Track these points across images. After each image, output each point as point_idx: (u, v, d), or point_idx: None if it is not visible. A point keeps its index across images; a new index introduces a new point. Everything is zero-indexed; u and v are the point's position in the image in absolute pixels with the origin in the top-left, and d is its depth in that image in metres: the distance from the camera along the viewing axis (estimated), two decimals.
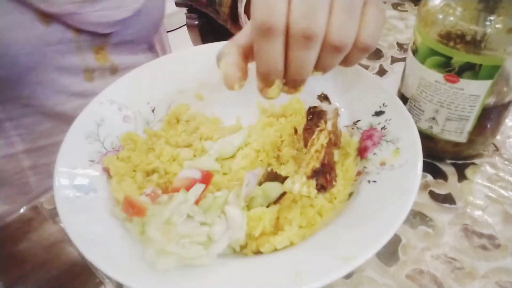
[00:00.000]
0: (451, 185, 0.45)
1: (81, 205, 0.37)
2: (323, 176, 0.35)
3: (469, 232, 0.41)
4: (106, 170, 0.41)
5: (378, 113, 0.43)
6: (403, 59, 0.63)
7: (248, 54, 0.34)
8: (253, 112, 0.50)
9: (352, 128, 0.45)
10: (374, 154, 0.41)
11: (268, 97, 0.34)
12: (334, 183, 0.36)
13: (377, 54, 0.65)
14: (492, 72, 0.38)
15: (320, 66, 0.32)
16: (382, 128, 0.42)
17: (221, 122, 0.49)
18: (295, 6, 0.28)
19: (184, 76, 0.50)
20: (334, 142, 0.39)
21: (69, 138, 0.42)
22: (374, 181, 0.38)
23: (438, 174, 0.47)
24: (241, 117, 0.49)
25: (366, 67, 0.62)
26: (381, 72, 0.62)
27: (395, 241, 0.40)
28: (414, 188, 0.34)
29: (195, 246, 0.33)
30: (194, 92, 0.51)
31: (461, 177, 0.46)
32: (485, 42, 0.37)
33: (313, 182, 0.34)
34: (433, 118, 0.44)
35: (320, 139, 0.38)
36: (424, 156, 0.48)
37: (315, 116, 0.41)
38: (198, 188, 0.36)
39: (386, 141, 0.41)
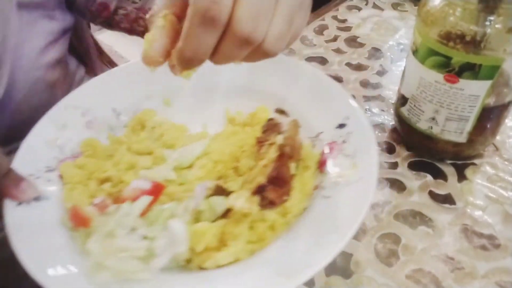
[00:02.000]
0: (451, 185, 0.45)
1: (30, 212, 0.36)
2: (274, 190, 0.35)
3: (469, 232, 0.41)
4: (62, 177, 0.40)
5: (341, 126, 0.42)
6: (403, 59, 0.63)
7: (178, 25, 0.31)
8: (220, 120, 0.48)
9: (315, 140, 0.43)
10: (332, 168, 0.39)
11: (179, 75, 0.32)
12: (285, 197, 0.35)
13: (377, 54, 0.65)
14: (492, 72, 0.38)
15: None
16: (342, 142, 0.41)
17: (187, 130, 0.47)
18: (243, 4, 0.26)
19: (152, 81, 0.47)
20: (290, 155, 0.38)
21: (27, 144, 0.41)
22: (328, 197, 0.37)
23: (438, 174, 0.47)
24: (208, 125, 0.48)
25: (366, 67, 0.63)
26: (381, 72, 0.62)
27: (395, 241, 0.40)
28: (365, 206, 0.34)
29: (133, 261, 0.32)
30: (162, 98, 0.49)
31: (461, 177, 0.46)
32: (485, 42, 0.37)
33: (256, 199, 0.34)
34: (433, 118, 0.44)
35: (270, 153, 0.37)
36: (424, 156, 0.48)
37: (269, 129, 0.40)
38: (144, 200, 0.35)
39: (345, 155, 0.39)
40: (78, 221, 0.34)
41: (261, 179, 0.35)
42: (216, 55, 0.29)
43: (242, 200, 0.34)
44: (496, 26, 0.36)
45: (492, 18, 0.36)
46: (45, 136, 0.42)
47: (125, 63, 0.50)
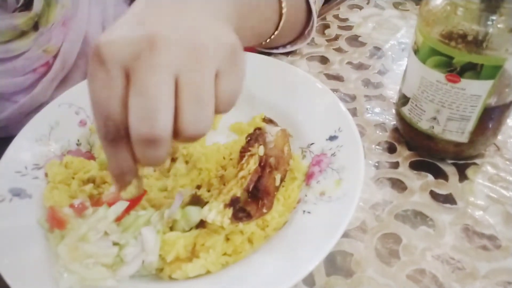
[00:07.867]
0: (452, 185, 0.45)
1: (11, 210, 0.36)
2: (254, 202, 0.34)
3: (470, 233, 0.41)
4: (47, 176, 0.40)
5: (332, 138, 0.41)
6: (404, 59, 0.63)
7: None
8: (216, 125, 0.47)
9: (306, 151, 0.42)
10: (317, 182, 0.39)
11: (130, 195, 0.35)
12: (265, 210, 0.35)
13: (378, 53, 0.65)
14: (493, 72, 0.38)
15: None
16: (331, 155, 0.40)
17: None
18: (133, 109, 0.26)
19: None
20: (274, 166, 0.37)
21: (19, 140, 0.40)
22: (309, 212, 0.36)
23: (439, 174, 0.46)
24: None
25: (367, 67, 0.62)
26: (382, 71, 0.62)
27: (396, 241, 0.40)
28: (343, 225, 0.33)
29: (99, 268, 0.31)
30: None
31: (462, 177, 0.46)
32: (486, 42, 0.37)
33: (229, 211, 0.33)
34: (434, 118, 0.44)
35: (250, 164, 0.36)
36: (425, 156, 0.48)
37: (252, 139, 0.39)
38: (121, 205, 0.34)
39: (332, 169, 0.39)
40: (54, 223, 0.34)
41: (237, 191, 0.34)
42: (139, 162, 0.29)
43: (214, 213, 0.33)
44: (498, 26, 0.36)
45: (494, 17, 0.36)
46: (37, 133, 0.42)
47: None
